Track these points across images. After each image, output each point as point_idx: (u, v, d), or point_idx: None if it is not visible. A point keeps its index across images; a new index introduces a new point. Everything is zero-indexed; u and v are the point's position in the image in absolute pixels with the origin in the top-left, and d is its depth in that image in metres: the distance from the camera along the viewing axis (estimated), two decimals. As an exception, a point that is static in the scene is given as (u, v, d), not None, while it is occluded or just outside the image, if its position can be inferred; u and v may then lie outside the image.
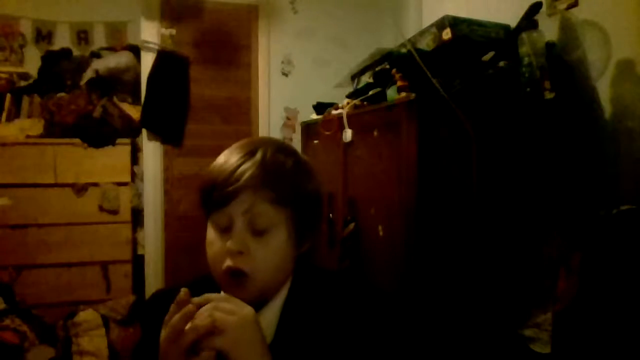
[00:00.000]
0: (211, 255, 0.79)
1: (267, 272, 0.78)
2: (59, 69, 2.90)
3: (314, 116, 2.54)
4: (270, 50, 3.15)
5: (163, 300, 0.91)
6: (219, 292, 0.84)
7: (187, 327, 0.66)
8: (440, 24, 1.67)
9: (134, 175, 2.95)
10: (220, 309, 0.67)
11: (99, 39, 3.07)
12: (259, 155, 0.77)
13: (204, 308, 0.68)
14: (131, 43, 3.04)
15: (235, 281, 0.77)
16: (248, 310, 0.69)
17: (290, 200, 0.78)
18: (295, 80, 3.19)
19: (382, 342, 0.80)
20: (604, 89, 1.59)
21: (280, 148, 0.81)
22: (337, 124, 2.06)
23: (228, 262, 0.76)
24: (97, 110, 2.82)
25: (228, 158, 0.79)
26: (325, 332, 0.78)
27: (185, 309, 0.67)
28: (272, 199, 0.76)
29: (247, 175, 0.75)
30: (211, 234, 0.80)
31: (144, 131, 2.97)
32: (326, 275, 0.88)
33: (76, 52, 3.01)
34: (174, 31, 3.00)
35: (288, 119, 3.19)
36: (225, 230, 0.78)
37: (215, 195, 0.77)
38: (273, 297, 0.81)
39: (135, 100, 2.97)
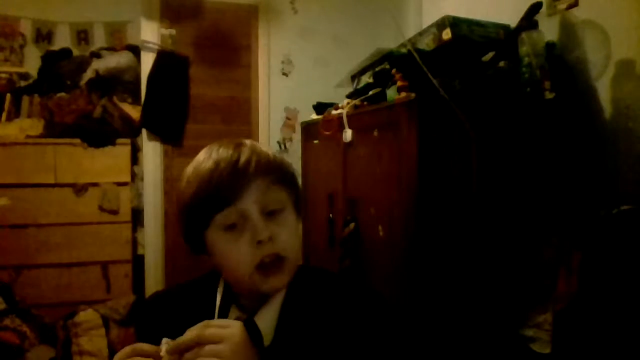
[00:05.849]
0: (234, 261, 0.77)
1: (295, 249, 0.81)
2: (59, 69, 2.90)
3: (314, 116, 2.53)
4: (270, 50, 3.15)
5: (160, 304, 0.91)
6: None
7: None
8: (440, 24, 1.67)
9: (134, 175, 2.95)
10: (210, 324, 0.69)
11: (99, 39, 3.07)
12: (249, 145, 0.79)
13: (192, 329, 0.68)
14: (131, 43, 3.04)
15: (271, 270, 0.77)
16: (237, 322, 0.71)
17: (288, 180, 0.81)
18: (295, 80, 3.19)
19: (381, 341, 0.80)
20: (604, 89, 1.59)
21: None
22: (337, 124, 2.06)
23: (262, 252, 0.75)
24: (97, 110, 2.82)
25: (215, 160, 0.77)
26: (324, 332, 0.77)
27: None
28: (278, 180, 0.79)
29: (253, 163, 0.76)
30: (221, 243, 0.78)
31: (144, 131, 2.97)
32: (324, 275, 0.88)
33: (76, 52, 3.01)
34: (174, 31, 3.00)
35: (288, 119, 3.19)
36: (231, 228, 0.76)
37: (222, 195, 0.75)
38: (271, 297, 0.81)
39: (135, 100, 2.97)
